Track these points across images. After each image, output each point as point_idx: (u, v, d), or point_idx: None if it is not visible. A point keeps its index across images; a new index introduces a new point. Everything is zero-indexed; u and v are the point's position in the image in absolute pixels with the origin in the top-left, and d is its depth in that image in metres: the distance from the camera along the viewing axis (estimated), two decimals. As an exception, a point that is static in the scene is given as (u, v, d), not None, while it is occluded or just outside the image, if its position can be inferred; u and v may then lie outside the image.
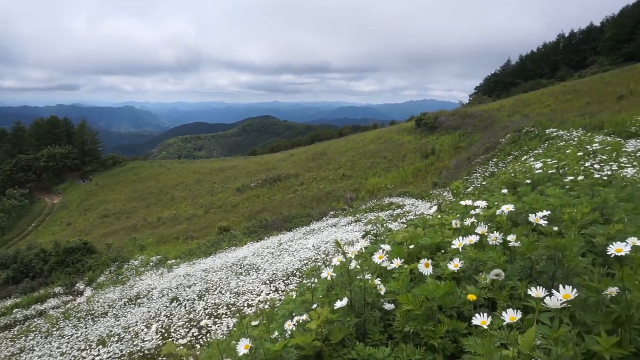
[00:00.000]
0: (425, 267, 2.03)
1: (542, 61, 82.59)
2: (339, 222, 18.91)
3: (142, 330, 10.59)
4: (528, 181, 4.98)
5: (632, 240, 1.62)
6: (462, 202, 2.70)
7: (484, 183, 10.64)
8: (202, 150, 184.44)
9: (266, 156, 69.12)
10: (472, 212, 2.51)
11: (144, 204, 48.14)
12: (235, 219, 32.47)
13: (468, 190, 10.29)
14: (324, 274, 2.27)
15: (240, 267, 14.13)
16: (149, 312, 12.03)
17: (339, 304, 1.86)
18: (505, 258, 1.96)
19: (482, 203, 2.53)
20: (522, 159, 13.52)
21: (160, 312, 11.65)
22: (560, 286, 1.51)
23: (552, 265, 1.85)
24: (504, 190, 4.13)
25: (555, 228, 2.06)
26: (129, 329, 10.94)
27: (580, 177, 4.37)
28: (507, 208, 2.27)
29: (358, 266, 2.21)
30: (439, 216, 2.92)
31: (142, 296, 14.11)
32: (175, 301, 12.24)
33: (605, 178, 4.74)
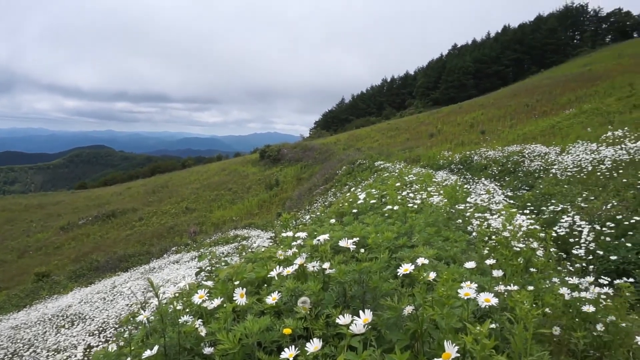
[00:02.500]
0: (240, 297, 1.98)
1: (371, 101, 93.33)
2: (182, 258, 17.91)
3: None
4: (355, 211, 5.39)
5: (421, 260, 1.83)
6: (284, 234, 2.77)
7: (318, 213, 11.24)
8: (15, 184, 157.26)
9: (98, 190, 62.26)
10: (294, 243, 2.58)
11: None
12: (59, 262, 28.51)
13: (305, 220, 10.73)
14: (140, 319, 2.06)
15: (63, 318, 12.22)
16: None
17: (147, 354, 1.67)
18: (321, 286, 2.02)
19: (302, 234, 2.62)
20: (352, 189, 14.71)
21: (-53, 390, 9.29)
22: (360, 311, 1.60)
23: (361, 289, 1.97)
24: (332, 220, 4.39)
25: (362, 251, 2.22)
26: None
27: (396, 207, 4.89)
28: (323, 237, 2.38)
29: (180, 307, 2.06)
30: (262, 249, 2.94)
31: None
32: (-31, 372, 9.90)
33: (416, 206, 5.40)
